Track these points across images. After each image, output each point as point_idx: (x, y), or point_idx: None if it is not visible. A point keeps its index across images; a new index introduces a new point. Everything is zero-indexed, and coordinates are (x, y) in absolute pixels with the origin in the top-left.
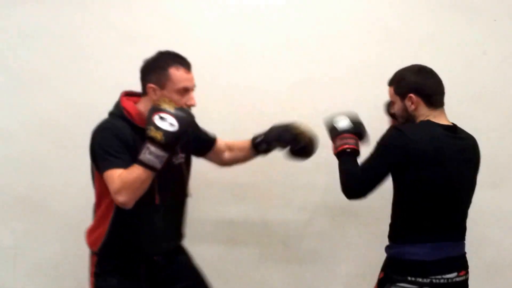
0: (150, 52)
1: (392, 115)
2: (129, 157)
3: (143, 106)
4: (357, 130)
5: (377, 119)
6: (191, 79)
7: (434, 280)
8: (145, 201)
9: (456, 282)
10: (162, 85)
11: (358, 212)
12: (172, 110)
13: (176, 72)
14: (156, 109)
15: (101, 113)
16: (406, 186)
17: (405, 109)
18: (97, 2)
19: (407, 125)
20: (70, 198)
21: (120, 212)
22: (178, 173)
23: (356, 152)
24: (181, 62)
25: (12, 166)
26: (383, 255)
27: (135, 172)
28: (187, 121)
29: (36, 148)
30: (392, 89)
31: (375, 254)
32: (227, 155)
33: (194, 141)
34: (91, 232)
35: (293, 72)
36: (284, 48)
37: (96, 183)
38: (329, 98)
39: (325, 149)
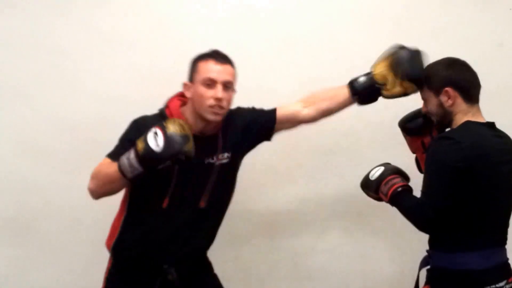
0: (137, 56)
1: (409, 130)
2: None
3: (187, 107)
4: (396, 171)
5: (387, 120)
6: (222, 72)
7: None
8: (154, 203)
9: None
10: (192, 79)
11: (372, 222)
12: (168, 130)
13: (203, 64)
14: (159, 124)
15: (87, 126)
16: (460, 193)
17: (440, 104)
18: (78, 6)
19: (452, 132)
20: (59, 218)
21: (131, 214)
22: (211, 176)
23: (408, 188)
24: (213, 55)
25: None
26: (401, 268)
27: (111, 167)
28: (173, 148)
29: (21, 167)
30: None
31: (393, 267)
32: (308, 112)
33: (256, 129)
34: (110, 235)
35: (296, 71)
36: (286, 48)
37: None
38: None
39: (332, 155)
